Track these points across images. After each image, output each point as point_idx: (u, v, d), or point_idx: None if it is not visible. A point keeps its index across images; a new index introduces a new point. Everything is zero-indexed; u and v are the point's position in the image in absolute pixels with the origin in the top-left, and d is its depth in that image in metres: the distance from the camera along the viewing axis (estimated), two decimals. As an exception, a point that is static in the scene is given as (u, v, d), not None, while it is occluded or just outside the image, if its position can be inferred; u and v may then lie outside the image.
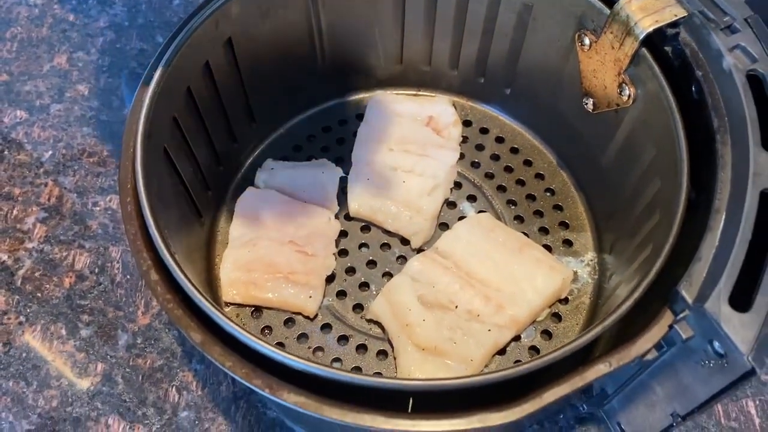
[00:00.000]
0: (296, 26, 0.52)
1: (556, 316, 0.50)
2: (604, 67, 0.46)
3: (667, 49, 0.43)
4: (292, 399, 0.33)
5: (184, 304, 0.36)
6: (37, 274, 0.54)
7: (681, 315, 0.34)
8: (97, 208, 0.57)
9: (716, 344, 0.33)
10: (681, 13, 0.41)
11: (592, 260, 0.52)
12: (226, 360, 0.34)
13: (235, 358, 0.34)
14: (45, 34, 0.66)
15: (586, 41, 0.47)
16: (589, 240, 0.53)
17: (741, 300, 0.33)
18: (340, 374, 0.32)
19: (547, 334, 0.49)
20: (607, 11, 0.44)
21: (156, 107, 0.41)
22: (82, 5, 0.68)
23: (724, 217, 0.35)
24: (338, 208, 0.54)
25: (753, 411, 0.49)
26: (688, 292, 0.34)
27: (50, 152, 0.59)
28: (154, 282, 0.36)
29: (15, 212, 0.56)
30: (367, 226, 0.54)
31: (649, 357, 0.35)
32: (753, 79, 0.39)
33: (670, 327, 0.34)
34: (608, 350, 0.38)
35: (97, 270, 0.54)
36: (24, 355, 0.50)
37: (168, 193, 0.45)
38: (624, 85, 0.45)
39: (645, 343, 0.34)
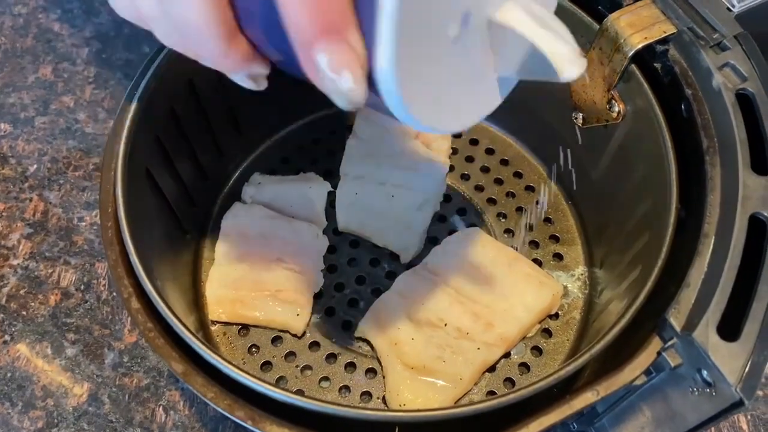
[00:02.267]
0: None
1: (547, 332, 0.50)
2: (593, 83, 0.45)
3: (657, 65, 0.42)
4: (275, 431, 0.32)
5: (166, 332, 0.36)
6: (22, 292, 0.53)
7: (669, 343, 0.33)
8: (83, 224, 0.56)
9: (704, 373, 0.32)
10: (670, 29, 0.41)
11: (582, 274, 0.52)
12: (208, 391, 0.33)
13: (218, 389, 0.34)
14: (29, 44, 0.66)
15: (575, 56, 0.46)
16: (580, 254, 0.52)
17: (729, 328, 0.32)
18: (324, 407, 0.32)
19: (537, 350, 0.49)
20: (596, 27, 0.43)
21: (137, 129, 0.40)
22: (67, 14, 0.68)
23: (713, 241, 0.35)
24: (326, 223, 0.53)
25: (745, 426, 0.49)
26: (676, 319, 0.33)
27: (35, 166, 0.59)
28: (135, 310, 0.35)
29: (-1, 228, 0.56)
30: (355, 242, 0.53)
31: (638, 382, 0.35)
32: (742, 98, 0.38)
33: (659, 354, 0.34)
34: (597, 368, 0.38)
35: (83, 287, 0.53)
36: (9, 375, 0.50)
37: (152, 211, 0.44)
38: (613, 101, 0.44)
39: (633, 371, 0.34)
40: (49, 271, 0.54)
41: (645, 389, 0.36)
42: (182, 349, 0.35)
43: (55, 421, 0.48)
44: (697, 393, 0.33)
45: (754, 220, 0.35)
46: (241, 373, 0.32)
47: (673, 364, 0.33)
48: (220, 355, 0.33)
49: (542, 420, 0.33)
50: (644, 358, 0.34)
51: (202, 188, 0.52)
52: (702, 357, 0.32)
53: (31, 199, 0.57)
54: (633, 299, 0.36)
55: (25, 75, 0.64)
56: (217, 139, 0.52)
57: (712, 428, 0.49)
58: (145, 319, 0.35)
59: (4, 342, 0.51)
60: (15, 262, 0.54)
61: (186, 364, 0.34)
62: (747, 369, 0.31)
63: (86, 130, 0.61)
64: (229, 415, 0.33)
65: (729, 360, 0.31)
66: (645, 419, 0.38)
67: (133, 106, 0.40)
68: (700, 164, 0.38)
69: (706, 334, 0.32)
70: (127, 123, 0.40)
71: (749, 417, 0.49)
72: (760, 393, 0.50)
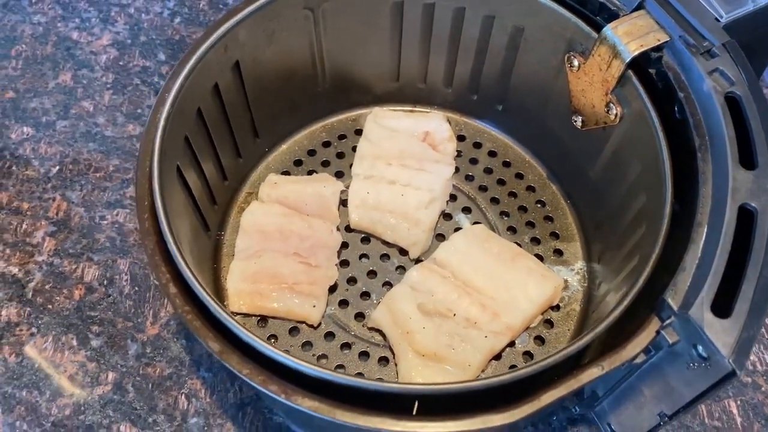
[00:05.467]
0: (299, 48, 0.54)
1: (549, 323, 0.52)
2: (592, 88, 0.49)
3: (652, 71, 0.45)
4: (307, 404, 0.35)
5: (201, 313, 0.38)
6: (47, 287, 0.55)
7: (667, 321, 0.36)
8: (105, 222, 0.58)
9: (700, 348, 0.35)
10: (664, 38, 0.44)
11: (581, 269, 0.55)
12: (243, 368, 0.36)
13: (252, 366, 0.36)
14: (49, 51, 0.68)
15: (575, 63, 0.49)
16: (579, 250, 0.56)
17: (722, 307, 0.35)
18: (354, 380, 0.35)
19: (540, 339, 0.52)
20: (595, 35, 0.47)
21: (170, 128, 0.43)
22: (85, 23, 0.70)
23: (705, 230, 0.38)
24: (339, 220, 0.56)
25: (735, 411, 0.52)
26: (673, 300, 0.36)
27: (57, 167, 0.61)
28: (173, 295, 0.38)
29: (24, 226, 0.58)
30: (366, 238, 0.56)
31: (638, 360, 0.38)
32: (731, 100, 0.41)
33: (657, 332, 0.37)
34: (597, 355, 0.41)
35: (105, 282, 0.56)
36: (36, 365, 0.52)
37: (179, 208, 0.47)
38: (611, 104, 0.48)
39: (634, 348, 0.37)
40: (73, 267, 0.56)
41: (643, 369, 0.39)
42: (217, 330, 0.38)
43: (82, 408, 0.50)
44: (693, 367, 0.36)
45: (743, 210, 0.38)
46: (277, 350, 0.35)
47: (671, 341, 0.36)
48: (255, 335, 0.36)
49: (553, 392, 0.35)
50: (645, 336, 0.37)
51: (223, 188, 0.55)
52: (698, 333, 0.35)
53: (54, 199, 0.59)
54: (632, 285, 0.39)
55: (45, 81, 0.66)
56: (236, 142, 0.55)
57: (705, 413, 0.52)
58: (183, 302, 0.38)
59: (32, 334, 0.53)
60: (40, 259, 0.56)
61: (221, 344, 0.37)
62: (738, 343, 0.34)
63: (105, 133, 0.63)
64: (263, 389, 0.35)
65: (722, 335, 0.34)
66: (644, 398, 0.40)
67: (167, 107, 0.43)
68: (692, 161, 0.41)
69: (701, 312, 0.35)
70: (162, 122, 0.43)
71: (739, 402, 0.52)
72: (748, 379, 0.53)
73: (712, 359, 0.35)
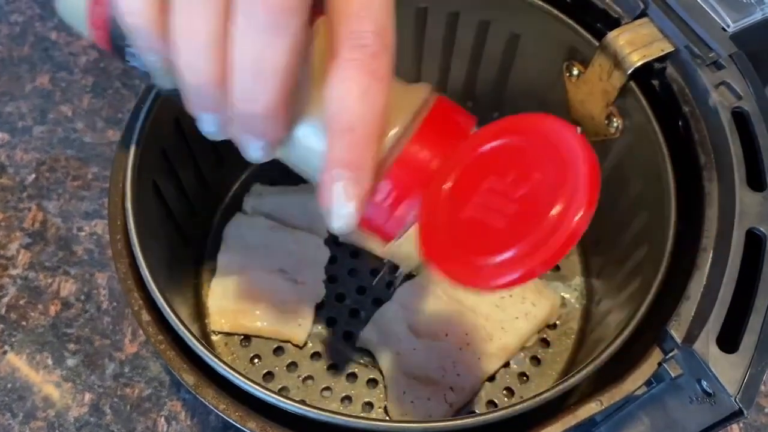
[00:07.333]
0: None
1: (545, 342, 0.50)
2: (592, 98, 0.46)
3: (655, 82, 0.43)
4: (287, 442, 0.33)
5: (175, 342, 0.36)
6: (21, 302, 0.53)
7: (670, 354, 0.34)
8: (82, 233, 0.56)
9: (704, 383, 0.33)
10: (668, 48, 0.42)
11: (579, 285, 0.53)
12: (219, 403, 0.34)
13: (229, 400, 0.34)
14: (26, 53, 0.65)
15: (575, 72, 0.47)
16: (577, 264, 0.53)
17: (728, 340, 0.33)
18: (337, 419, 0.33)
19: (535, 359, 0.50)
20: (596, 44, 0.44)
21: (145, 143, 0.41)
22: (64, 23, 0.67)
23: (711, 255, 0.36)
24: (327, 233, 0.54)
25: (737, 434, 0.50)
26: (677, 331, 0.34)
27: (33, 175, 0.59)
28: (146, 323, 0.36)
29: (-2, 238, 0.56)
30: (356, 252, 0.54)
31: (639, 392, 0.36)
32: (738, 116, 0.39)
33: (660, 364, 0.35)
34: (594, 379, 0.39)
35: (83, 297, 0.53)
36: (9, 385, 0.50)
37: (157, 223, 0.45)
38: (612, 116, 0.45)
39: (635, 381, 0.35)
40: (49, 281, 0.54)
41: (644, 399, 0.37)
42: (192, 361, 0.35)
43: (57, 431, 0.48)
44: (696, 403, 0.34)
45: (751, 235, 0.36)
46: (257, 387, 0.33)
47: (673, 375, 0.34)
48: (233, 368, 0.33)
49: (549, 429, 0.33)
50: (645, 369, 0.35)
51: (204, 199, 0.52)
52: (702, 368, 0.33)
53: (29, 209, 0.57)
54: (633, 312, 0.37)
55: (22, 84, 0.64)
56: (218, 149, 0.52)
57: (706, 435, 0.50)
58: (156, 331, 0.36)
59: (4, 352, 0.51)
60: (14, 272, 0.54)
61: (197, 376, 0.35)
62: (746, 380, 0.32)
63: (84, 139, 0.61)
64: (240, 427, 0.33)
65: (728, 371, 0.32)
66: (643, 427, 0.38)
67: (141, 120, 0.41)
68: (697, 180, 0.39)
69: (706, 345, 0.33)
70: (135, 137, 0.40)
71: (741, 425, 0.50)
72: (751, 401, 0.51)
73: (718, 396, 0.33)
